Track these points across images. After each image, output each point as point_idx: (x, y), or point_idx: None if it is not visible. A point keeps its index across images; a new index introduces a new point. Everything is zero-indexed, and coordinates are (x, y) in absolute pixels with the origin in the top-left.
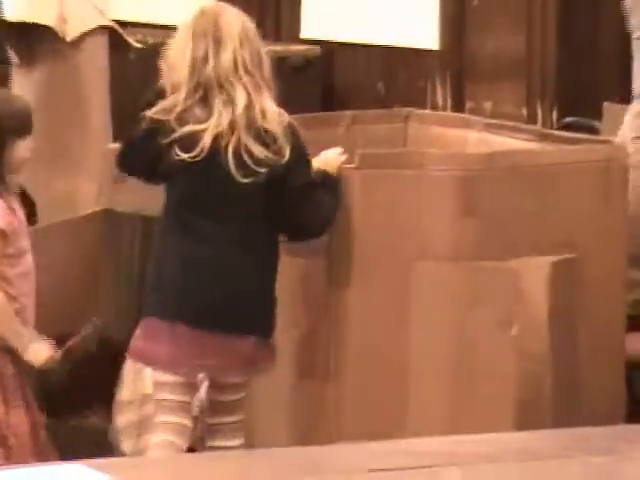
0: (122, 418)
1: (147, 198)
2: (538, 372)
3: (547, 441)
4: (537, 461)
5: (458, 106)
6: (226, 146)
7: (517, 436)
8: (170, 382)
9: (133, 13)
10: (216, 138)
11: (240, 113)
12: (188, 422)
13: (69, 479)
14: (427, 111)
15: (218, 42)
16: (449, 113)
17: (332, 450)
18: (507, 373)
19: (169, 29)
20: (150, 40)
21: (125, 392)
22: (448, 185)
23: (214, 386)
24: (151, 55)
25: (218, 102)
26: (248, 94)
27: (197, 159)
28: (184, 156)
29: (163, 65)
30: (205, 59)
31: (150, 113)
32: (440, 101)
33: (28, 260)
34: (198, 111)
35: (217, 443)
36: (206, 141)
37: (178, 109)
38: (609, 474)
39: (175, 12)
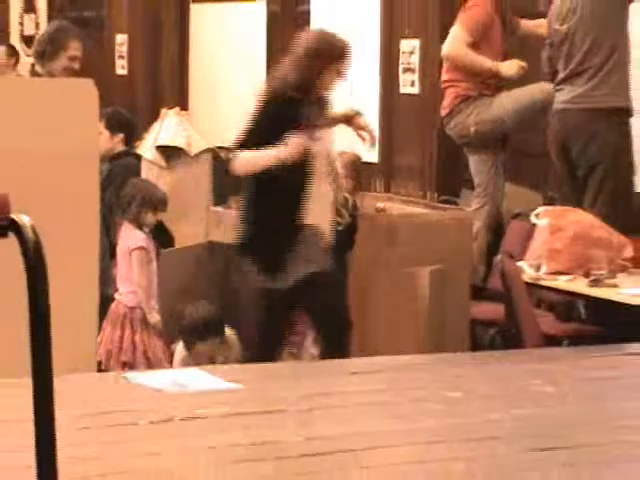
0: None
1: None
2: (424, 324)
3: (425, 360)
4: (416, 371)
5: (387, 190)
6: None
7: (415, 357)
8: None
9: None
10: None
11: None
12: None
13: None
14: (372, 193)
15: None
16: (383, 194)
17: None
18: (410, 323)
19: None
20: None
21: None
22: (384, 229)
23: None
24: (229, 162)
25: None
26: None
27: None
28: None
29: None
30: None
31: None
32: (378, 188)
33: (153, 267)
34: None
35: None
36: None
37: None
38: (460, 378)
39: None
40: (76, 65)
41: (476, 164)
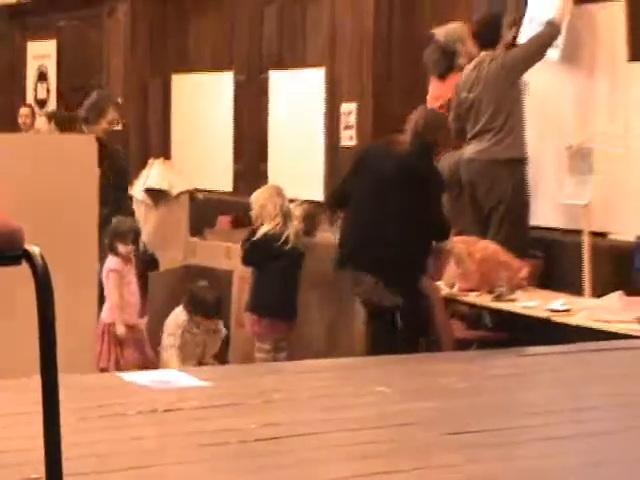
0: None
1: (210, 258)
2: (361, 332)
3: (359, 362)
4: (352, 370)
5: (331, 225)
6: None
7: (351, 359)
8: None
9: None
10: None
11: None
12: None
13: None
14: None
15: (282, 198)
16: (328, 227)
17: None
18: (350, 331)
19: (209, 191)
20: (202, 195)
21: None
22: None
23: None
24: (203, 202)
25: (289, 226)
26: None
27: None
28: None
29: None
30: (282, 207)
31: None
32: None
33: (131, 287)
34: (281, 227)
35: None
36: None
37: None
38: (389, 376)
39: (211, 184)
40: (115, 126)
41: None
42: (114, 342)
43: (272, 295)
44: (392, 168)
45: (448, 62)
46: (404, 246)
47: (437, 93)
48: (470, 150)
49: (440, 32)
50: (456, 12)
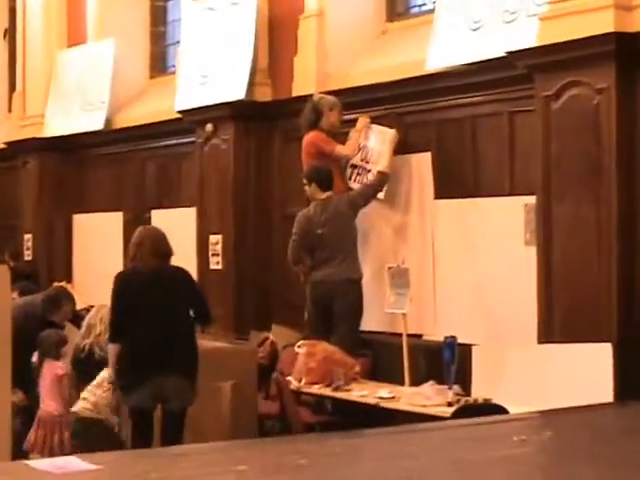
0: None
1: None
2: (228, 419)
3: (224, 445)
4: (217, 453)
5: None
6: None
7: (218, 443)
8: None
9: (90, 300)
10: None
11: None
12: None
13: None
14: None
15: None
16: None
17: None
18: (216, 418)
19: (103, 305)
20: None
21: None
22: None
23: None
24: None
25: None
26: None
27: None
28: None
29: None
30: None
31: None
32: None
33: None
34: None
35: None
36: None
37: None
38: (246, 457)
39: (105, 300)
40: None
41: None
42: (58, 430)
43: None
44: None
45: (315, 118)
46: None
47: (305, 144)
48: (322, 273)
49: (317, 95)
50: (296, 167)
